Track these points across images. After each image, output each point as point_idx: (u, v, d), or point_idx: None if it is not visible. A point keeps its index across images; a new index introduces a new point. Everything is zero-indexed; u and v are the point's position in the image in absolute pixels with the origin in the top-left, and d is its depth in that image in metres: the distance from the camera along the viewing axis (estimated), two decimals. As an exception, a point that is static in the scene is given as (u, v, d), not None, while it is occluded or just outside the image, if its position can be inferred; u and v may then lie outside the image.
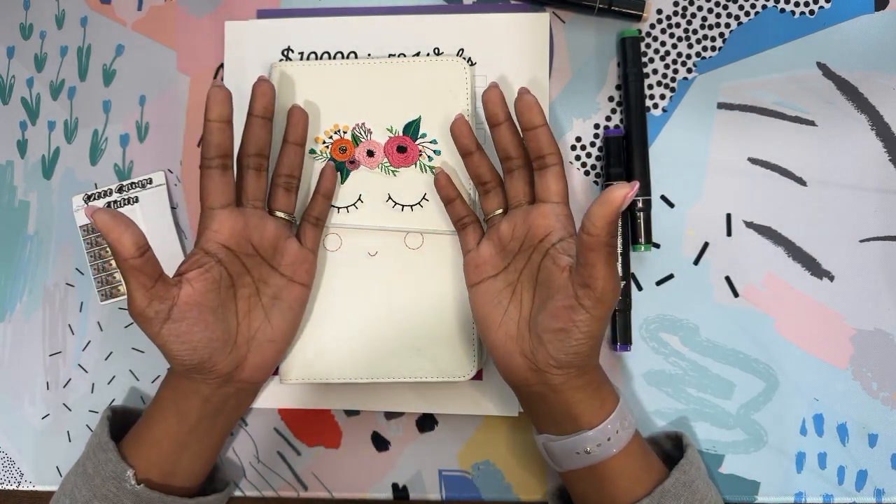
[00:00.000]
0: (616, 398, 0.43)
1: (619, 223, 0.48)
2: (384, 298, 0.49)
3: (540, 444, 0.44)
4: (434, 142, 0.49)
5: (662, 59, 0.51)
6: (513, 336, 0.43)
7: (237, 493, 0.51)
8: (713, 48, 0.51)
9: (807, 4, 0.51)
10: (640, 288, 0.50)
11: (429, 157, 0.49)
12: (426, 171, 0.49)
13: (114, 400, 0.53)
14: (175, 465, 0.44)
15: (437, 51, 0.51)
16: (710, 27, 0.51)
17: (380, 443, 0.51)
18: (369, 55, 0.51)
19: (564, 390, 0.41)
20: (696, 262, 0.50)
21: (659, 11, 0.51)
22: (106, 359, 0.53)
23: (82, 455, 0.45)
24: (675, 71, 0.51)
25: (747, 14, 0.51)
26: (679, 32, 0.51)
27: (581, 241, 0.37)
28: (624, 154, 0.50)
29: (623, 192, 0.36)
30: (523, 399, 0.45)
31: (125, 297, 0.53)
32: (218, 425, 0.46)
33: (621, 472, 0.41)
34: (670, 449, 0.47)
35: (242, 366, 0.45)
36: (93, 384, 0.53)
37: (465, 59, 0.50)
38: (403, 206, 0.49)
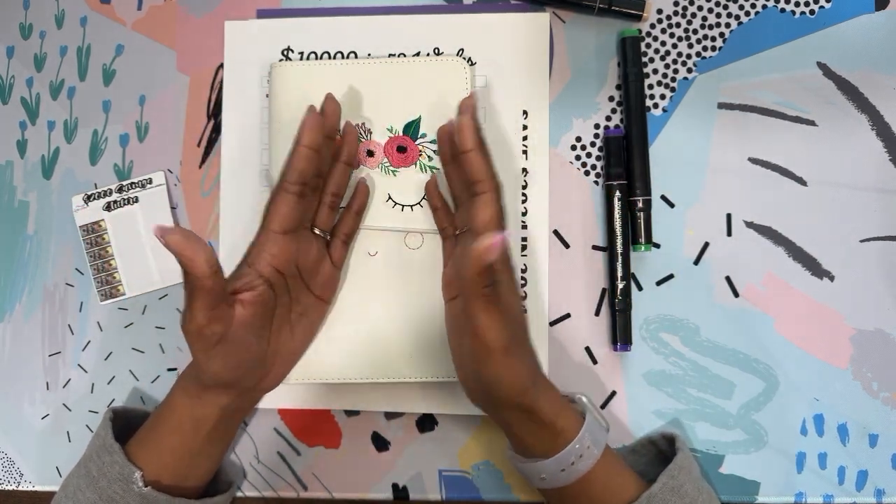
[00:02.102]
0: (574, 432, 0.41)
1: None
2: (384, 298, 0.49)
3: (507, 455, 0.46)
4: (434, 142, 0.49)
5: (662, 59, 0.51)
6: (458, 363, 0.43)
7: (237, 494, 0.51)
8: (713, 48, 0.51)
9: (807, 4, 0.51)
10: (640, 288, 0.50)
11: (429, 156, 0.49)
12: (426, 171, 0.49)
13: (113, 400, 0.53)
14: (189, 468, 0.44)
15: (437, 51, 0.51)
16: (710, 27, 0.51)
17: (380, 443, 0.51)
18: (369, 55, 0.51)
19: (511, 423, 0.42)
20: (696, 262, 0.50)
21: (659, 11, 0.51)
22: (106, 359, 0.53)
23: (84, 457, 0.45)
24: (675, 71, 0.51)
25: (747, 14, 0.51)
26: (679, 32, 0.51)
27: (462, 294, 0.38)
28: (624, 154, 0.50)
29: (486, 245, 0.35)
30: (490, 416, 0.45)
31: (125, 297, 0.53)
32: (231, 430, 0.46)
33: (593, 496, 0.42)
34: (666, 448, 0.47)
35: (264, 378, 0.45)
36: (92, 384, 0.53)
37: (465, 59, 0.50)
38: (403, 206, 0.49)
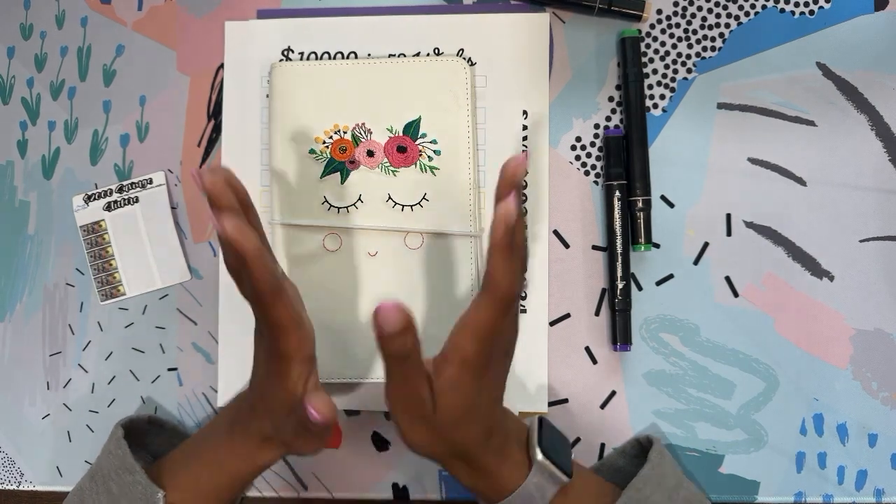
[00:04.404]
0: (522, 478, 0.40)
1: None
2: (384, 298, 0.49)
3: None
4: (434, 142, 0.49)
5: (662, 59, 0.51)
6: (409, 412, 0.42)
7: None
8: (713, 48, 0.51)
9: (807, 4, 0.51)
10: (640, 288, 0.50)
11: (429, 157, 0.49)
12: (426, 171, 0.49)
13: (114, 401, 0.53)
14: (215, 500, 0.44)
15: (437, 51, 0.51)
16: (710, 27, 0.51)
17: (380, 443, 0.51)
18: (369, 55, 0.51)
19: (459, 475, 0.41)
20: (696, 262, 0.50)
21: (659, 11, 0.51)
22: (106, 359, 0.53)
23: (100, 474, 0.44)
24: (675, 71, 0.51)
25: (747, 14, 0.51)
26: (679, 32, 0.51)
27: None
28: (624, 154, 0.50)
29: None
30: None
31: (125, 297, 0.53)
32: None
33: None
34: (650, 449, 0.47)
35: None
36: (93, 384, 0.53)
37: (465, 59, 0.50)
38: (403, 206, 0.49)
